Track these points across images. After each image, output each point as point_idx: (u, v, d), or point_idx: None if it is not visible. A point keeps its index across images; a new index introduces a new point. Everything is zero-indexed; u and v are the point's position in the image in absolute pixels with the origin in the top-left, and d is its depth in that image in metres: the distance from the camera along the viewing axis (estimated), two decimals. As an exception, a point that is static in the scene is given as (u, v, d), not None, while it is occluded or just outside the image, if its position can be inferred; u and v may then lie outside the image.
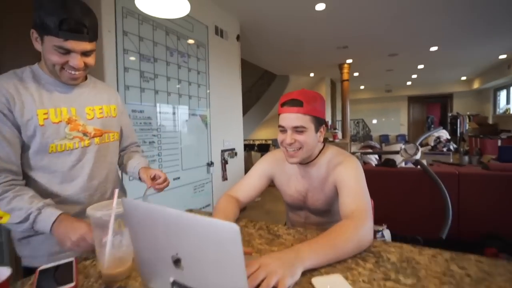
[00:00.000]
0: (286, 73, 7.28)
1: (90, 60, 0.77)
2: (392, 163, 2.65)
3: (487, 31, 4.28)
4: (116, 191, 0.56)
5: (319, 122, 0.89)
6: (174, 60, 2.38)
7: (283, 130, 0.89)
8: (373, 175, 2.78)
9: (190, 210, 1.06)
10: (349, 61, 5.94)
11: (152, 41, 2.17)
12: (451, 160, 5.25)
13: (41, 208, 0.66)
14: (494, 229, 2.35)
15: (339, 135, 6.46)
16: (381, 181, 2.68)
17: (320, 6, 3.19)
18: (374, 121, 11.83)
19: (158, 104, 2.21)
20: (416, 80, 9.14)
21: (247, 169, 1.08)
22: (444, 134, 5.97)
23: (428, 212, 2.54)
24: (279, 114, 0.90)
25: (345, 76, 6.20)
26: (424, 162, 2.98)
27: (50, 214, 0.66)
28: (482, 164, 2.70)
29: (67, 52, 0.70)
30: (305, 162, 0.95)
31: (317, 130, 0.89)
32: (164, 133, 2.27)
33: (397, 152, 2.82)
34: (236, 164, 3.30)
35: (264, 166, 1.04)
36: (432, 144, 5.83)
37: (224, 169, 3.06)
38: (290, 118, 0.86)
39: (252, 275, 0.51)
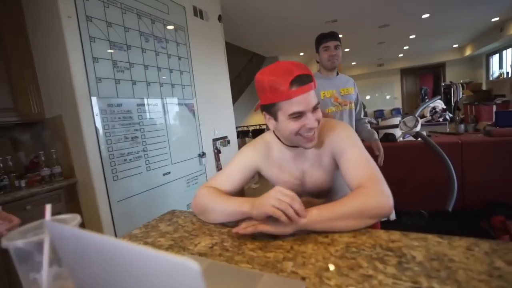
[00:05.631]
0: (275, 54, 7.01)
1: None
2: (392, 137, 2.54)
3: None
4: (48, 206, 0.41)
5: None
6: (150, 47, 2.18)
7: (300, 115, 0.72)
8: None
9: (173, 212, 0.93)
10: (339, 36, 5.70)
11: (123, 26, 1.96)
12: (448, 130, 5.19)
13: None
14: (500, 197, 2.29)
15: (334, 114, 6.31)
16: (382, 157, 2.58)
17: (305, -24, 2.95)
18: (368, 97, 11.69)
19: (137, 96, 2.02)
20: (408, 51, 8.94)
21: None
22: (439, 104, 5.87)
23: (432, 185, 2.45)
24: (287, 99, 0.70)
25: (336, 53, 5.97)
26: (424, 133, 2.87)
27: None
28: (485, 131, 2.59)
29: None
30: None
31: None
32: (148, 126, 2.10)
33: (396, 126, 2.70)
34: (230, 152, 3.16)
35: (247, 158, 0.88)
36: (428, 115, 5.74)
37: (217, 159, 2.92)
38: (309, 98, 0.71)
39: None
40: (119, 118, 1.88)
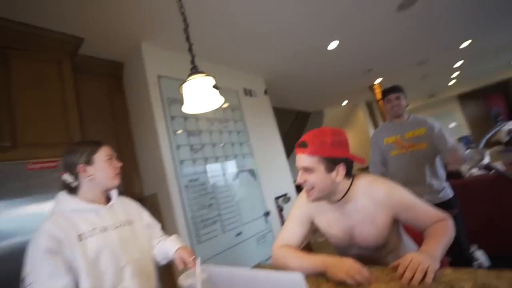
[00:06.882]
0: (320, 108, 7.39)
1: None
2: (456, 174, 2.41)
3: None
4: (198, 258, 0.68)
5: (332, 162, 0.89)
6: (215, 128, 2.70)
7: (297, 170, 0.96)
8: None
9: (258, 265, 1.13)
10: (379, 80, 5.88)
11: (195, 118, 2.54)
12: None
13: None
14: None
15: (392, 154, 6.04)
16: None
17: (333, 45, 3.39)
18: (428, 130, 10.82)
19: (208, 170, 2.46)
20: (460, 76, 8.43)
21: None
22: (516, 125, 5.21)
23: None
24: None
25: (379, 96, 6.07)
26: (499, 163, 2.65)
27: None
28: None
29: None
30: (336, 200, 0.94)
31: (330, 169, 0.89)
32: (219, 193, 2.47)
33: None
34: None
35: (300, 210, 1.01)
36: (505, 139, 5.09)
37: (281, 216, 3.09)
38: (299, 159, 0.94)
39: (409, 265, 0.69)
40: (197, 190, 2.30)
